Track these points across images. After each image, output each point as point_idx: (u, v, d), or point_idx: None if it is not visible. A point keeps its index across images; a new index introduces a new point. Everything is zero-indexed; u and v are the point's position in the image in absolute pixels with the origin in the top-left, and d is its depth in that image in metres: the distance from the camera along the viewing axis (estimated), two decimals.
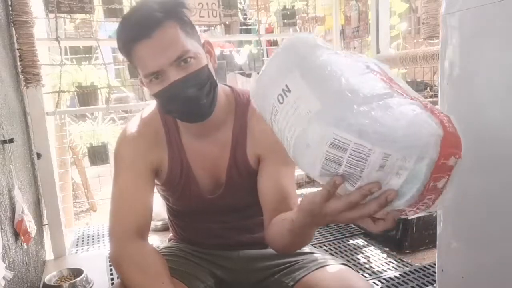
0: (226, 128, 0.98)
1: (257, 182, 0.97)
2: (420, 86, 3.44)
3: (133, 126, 1.01)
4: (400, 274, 1.69)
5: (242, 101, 1.00)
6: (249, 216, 1.05)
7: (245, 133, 0.98)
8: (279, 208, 0.91)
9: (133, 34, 0.84)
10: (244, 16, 3.59)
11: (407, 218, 1.87)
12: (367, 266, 1.80)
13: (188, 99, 0.86)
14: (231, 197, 1.00)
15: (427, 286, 1.59)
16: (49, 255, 1.98)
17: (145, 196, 0.96)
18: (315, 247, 1.09)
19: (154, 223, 2.28)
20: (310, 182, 2.91)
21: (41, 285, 1.64)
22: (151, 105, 1.04)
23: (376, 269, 1.76)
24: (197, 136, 0.98)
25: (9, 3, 1.70)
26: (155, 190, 1.03)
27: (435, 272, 1.63)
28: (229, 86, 1.02)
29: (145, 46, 0.83)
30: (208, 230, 1.06)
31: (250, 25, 4.01)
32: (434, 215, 1.88)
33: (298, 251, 0.98)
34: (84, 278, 1.64)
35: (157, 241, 2.17)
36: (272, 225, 0.90)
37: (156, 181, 1.02)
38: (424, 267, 1.74)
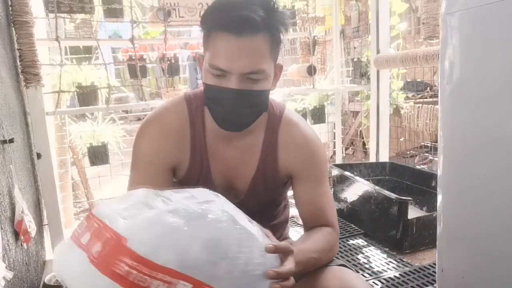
0: (255, 138, 0.97)
1: (295, 201, 1.01)
2: (420, 86, 3.45)
3: (158, 120, 0.97)
4: (400, 274, 1.69)
5: (275, 112, 0.98)
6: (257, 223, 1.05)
7: (275, 146, 0.97)
8: (318, 225, 0.97)
9: (226, 22, 0.80)
10: None
11: (407, 218, 1.87)
12: (367, 266, 1.80)
13: (232, 111, 0.86)
14: (248, 205, 0.99)
15: (427, 286, 1.59)
16: (49, 255, 1.98)
17: None
18: None
19: None
20: None
21: (41, 285, 1.64)
22: (180, 99, 1.00)
23: (376, 269, 1.76)
24: (223, 141, 0.96)
25: (9, 3, 1.70)
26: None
27: (435, 272, 1.63)
28: None
29: (229, 41, 0.80)
30: None
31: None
32: (434, 215, 1.88)
33: None
34: None
35: None
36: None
37: (173, 178, 1.01)
38: (424, 267, 1.74)
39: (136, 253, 0.61)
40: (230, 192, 1.00)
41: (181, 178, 0.99)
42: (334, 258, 0.99)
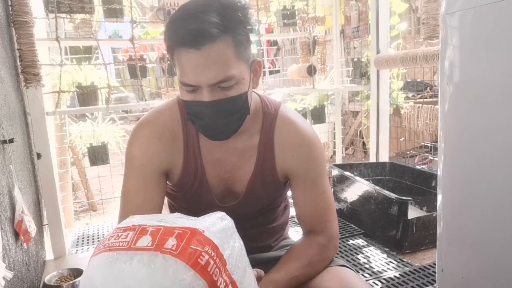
0: (250, 138, 0.96)
1: (293, 201, 1.01)
2: (420, 86, 3.45)
3: (150, 123, 0.96)
4: (400, 274, 1.69)
5: (270, 111, 0.97)
6: (256, 225, 1.05)
7: (272, 146, 0.96)
8: (316, 228, 0.97)
9: (182, 38, 0.78)
10: None
11: (407, 218, 1.87)
12: (367, 266, 1.80)
13: (213, 123, 0.85)
14: (245, 207, 0.99)
15: (427, 286, 1.59)
16: (49, 255, 1.98)
17: (153, 199, 0.94)
18: None
19: None
20: None
21: (41, 285, 1.63)
22: (173, 102, 0.99)
23: (376, 269, 1.76)
24: (217, 144, 0.94)
25: (9, 3, 1.70)
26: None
27: (435, 272, 1.63)
28: (258, 94, 0.99)
29: (190, 56, 0.78)
30: None
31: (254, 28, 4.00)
32: (434, 215, 1.88)
33: None
34: None
35: None
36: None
37: (167, 181, 1.00)
38: (424, 267, 1.74)
39: (214, 242, 0.62)
40: (227, 194, 0.99)
41: (175, 182, 0.98)
42: (334, 258, 0.99)
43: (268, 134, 0.96)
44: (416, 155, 3.21)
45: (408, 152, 3.15)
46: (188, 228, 0.63)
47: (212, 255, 0.60)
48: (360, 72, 2.78)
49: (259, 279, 0.81)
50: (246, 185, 0.97)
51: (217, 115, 0.84)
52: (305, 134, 0.96)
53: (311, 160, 0.96)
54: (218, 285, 0.60)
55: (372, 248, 1.99)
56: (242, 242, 0.70)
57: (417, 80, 3.47)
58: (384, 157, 2.70)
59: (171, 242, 0.60)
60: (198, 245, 0.60)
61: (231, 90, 0.82)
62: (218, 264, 0.61)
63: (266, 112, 0.97)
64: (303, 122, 0.99)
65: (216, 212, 0.71)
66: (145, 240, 0.61)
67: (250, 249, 1.02)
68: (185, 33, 0.78)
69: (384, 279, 1.67)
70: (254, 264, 1.04)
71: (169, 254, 0.58)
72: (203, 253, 0.59)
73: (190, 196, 0.99)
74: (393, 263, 1.81)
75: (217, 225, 0.66)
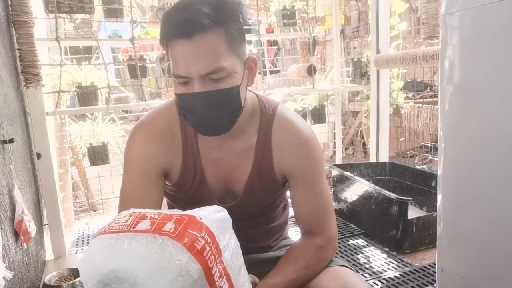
0: (248, 138, 0.95)
1: (291, 201, 1.01)
2: (420, 86, 3.45)
3: (148, 124, 0.96)
4: (400, 274, 1.69)
5: (267, 111, 0.97)
6: (255, 226, 1.05)
7: (269, 146, 0.95)
8: (314, 228, 0.97)
9: (175, 29, 0.80)
10: None
11: (407, 218, 1.87)
12: (367, 266, 1.80)
13: (203, 115, 0.84)
14: (244, 207, 0.99)
15: (427, 286, 1.59)
16: (49, 255, 1.98)
17: (152, 199, 0.94)
18: None
19: None
20: None
21: (41, 285, 1.63)
22: (171, 103, 0.99)
23: (376, 269, 1.76)
24: (215, 144, 0.94)
25: (9, 3, 1.70)
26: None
27: (435, 272, 1.63)
28: (256, 94, 0.99)
29: (182, 46, 0.79)
30: None
31: (250, 25, 4.01)
32: (434, 215, 1.88)
33: None
34: None
35: None
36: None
37: (166, 182, 1.00)
38: (424, 267, 1.74)
39: (210, 230, 0.64)
40: (226, 194, 0.99)
41: (175, 183, 0.98)
42: (334, 259, 0.99)
43: (266, 134, 0.95)
44: (416, 155, 3.21)
45: (408, 152, 3.15)
46: (186, 215, 0.65)
47: (208, 241, 0.62)
48: (360, 72, 2.78)
49: (254, 284, 0.81)
50: (245, 185, 0.97)
51: (207, 107, 0.83)
52: (303, 134, 0.96)
53: (309, 160, 0.96)
54: (213, 273, 0.62)
55: (372, 248, 1.99)
56: (238, 241, 0.72)
57: (417, 80, 3.47)
58: (384, 157, 2.70)
59: (169, 226, 0.62)
60: (195, 229, 0.62)
61: (222, 83, 0.82)
62: (214, 252, 0.63)
63: (264, 112, 0.96)
64: (301, 122, 0.99)
65: (212, 205, 0.73)
66: (144, 224, 0.63)
67: (250, 249, 1.01)
68: (177, 23, 0.79)
69: (384, 279, 1.67)
70: (254, 263, 1.04)
71: (167, 236, 0.61)
72: (199, 238, 0.62)
73: (190, 196, 0.99)
74: (393, 263, 1.81)
75: (214, 215, 0.68)
